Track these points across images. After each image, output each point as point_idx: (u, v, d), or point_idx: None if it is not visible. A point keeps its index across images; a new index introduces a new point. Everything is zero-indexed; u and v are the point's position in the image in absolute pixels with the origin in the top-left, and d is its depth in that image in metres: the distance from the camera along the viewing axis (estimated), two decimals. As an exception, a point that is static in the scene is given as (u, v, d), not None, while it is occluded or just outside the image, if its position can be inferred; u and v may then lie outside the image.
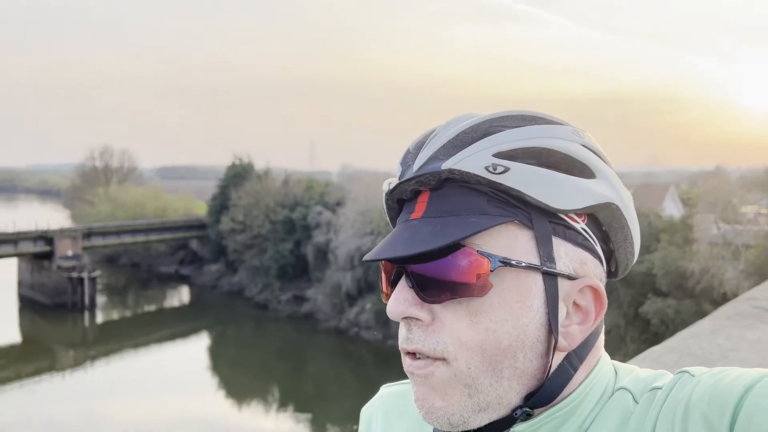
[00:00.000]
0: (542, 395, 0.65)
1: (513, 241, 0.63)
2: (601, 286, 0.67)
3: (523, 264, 0.63)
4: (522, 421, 0.65)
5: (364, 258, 0.66)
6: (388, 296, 0.69)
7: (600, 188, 0.66)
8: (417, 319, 0.65)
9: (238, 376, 26.85)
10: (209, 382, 26.21)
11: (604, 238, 0.69)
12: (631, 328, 23.46)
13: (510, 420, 0.66)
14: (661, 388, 0.64)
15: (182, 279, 43.46)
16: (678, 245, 23.85)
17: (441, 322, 0.64)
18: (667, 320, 22.21)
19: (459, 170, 0.63)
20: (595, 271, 0.68)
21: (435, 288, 0.63)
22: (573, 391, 0.66)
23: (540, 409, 0.66)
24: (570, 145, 0.65)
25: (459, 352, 0.63)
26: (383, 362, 27.25)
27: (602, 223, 0.68)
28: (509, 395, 0.64)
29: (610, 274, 0.72)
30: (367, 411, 0.89)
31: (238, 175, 41.48)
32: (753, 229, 25.19)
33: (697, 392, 0.60)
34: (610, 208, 0.67)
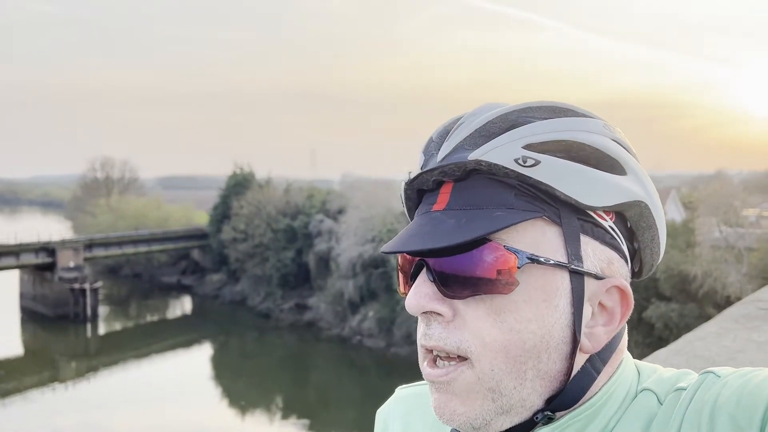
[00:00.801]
0: (564, 398, 0.63)
1: (540, 237, 0.61)
2: (628, 286, 0.65)
3: (552, 261, 0.61)
4: (543, 424, 0.64)
5: (382, 249, 0.64)
6: (405, 291, 0.67)
7: (630, 185, 0.64)
8: (437, 314, 0.62)
9: (240, 386, 26.77)
10: (212, 392, 26.14)
11: (630, 237, 0.67)
12: (635, 332, 23.39)
13: (531, 423, 0.63)
14: (685, 389, 0.62)
15: (184, 289, 43.43)
16: (680, 249, 23.80)
17: (462, 319, 0.61)
18: (671, 324, 22.14)
19: (487, 161, 0.61)
20: (621, 271, 0.66)
21: (458, 283, 0.61)
22: (595, 393, 0.64)
23: (561, 413, 0.64)
24: (601, 139, 0.63)
25: (482, 352, 0.60)
26: (386, 370, 27.16)
27: (629, 221, 0.66)
28: (532, 398, 0.62)
29: (634, 273, 0.70)
30: (383, 413, 0.86)
31: (239, 184, 41.53)
32: (755, 232, 25.15)
33: (724, 394, 0.57)
34: (639, 207, 0.65)
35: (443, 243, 0.59)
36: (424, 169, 0.65)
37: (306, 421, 23.24)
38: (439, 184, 0.65)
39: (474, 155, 0.61)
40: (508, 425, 0.63)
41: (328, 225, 34.15)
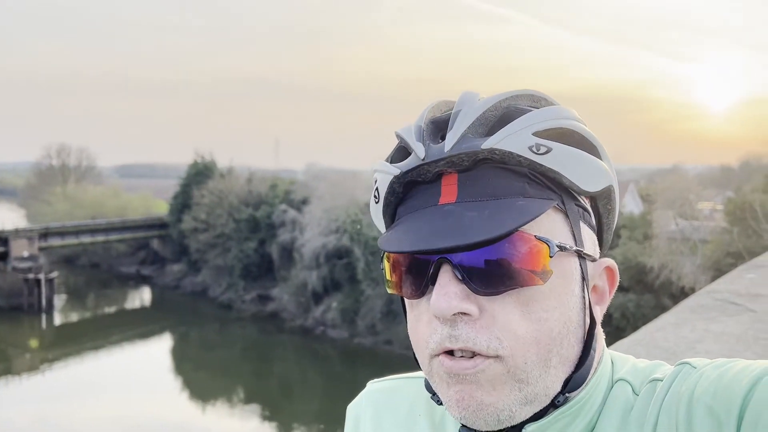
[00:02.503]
0: (577, 379, 0.63)
1: (553, 224, 0.61)
2: (616, 266, 0.68)
3: (573, 248, 0.61)
4: (554, 408, 0.63)
5: (388, 248, 0.60)
6: (417, 291, 0.62)
7: (608, 169, 0.66)
8: (465, 314, 0.59)
9: (202, 377, 26.47)
10: (172, 383, 25.78)
11: (597, 219, 0.69)
12: (593, 322, 23.90)
13: (547, 409, 0.63)
14: (661, 380, 0.63)
15: (143, 279, 42.67)
16: (638, 241, 24.38)
17: (491, 316, 0.59)
18: (628, 314, 22.66)
19: (500, 150, 0.59)
20: (598, 252, 0.68)
21: (489, 279, 0.58)
22: (586, 385, 0.65)
23: (571, 394, 0.64)
24: (582, 125, 0.65)
25: (516, 347, 0.59)
26: (350, 360, 27.19)
27: (598, 205, 0.68)
28: (554, 384, 0.62)
29: None
30: (354, 409, 0.85)
31: (201, 173, 40.87)
32: (709, 225, 25.91)
33: (701, 385, 0.57)
34: (609, 190, 0.67)
35: (475, 238, 0.56)
36: (428, 160, 0.61)
37: (268, 413, 23.13)
38: (438, 176, 0.63)
39: (488, 144, 0.59)
40: (529, 414, 0.62)
41: (292, 215, 33.90)
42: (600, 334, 0.68)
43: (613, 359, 0.69)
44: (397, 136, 0.67)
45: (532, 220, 0.57)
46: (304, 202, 34.00)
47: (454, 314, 0.59)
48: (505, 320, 0.59)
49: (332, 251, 30.37)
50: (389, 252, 0.60)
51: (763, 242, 21.22)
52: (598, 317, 0.66)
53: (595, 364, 0.66)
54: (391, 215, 0.68)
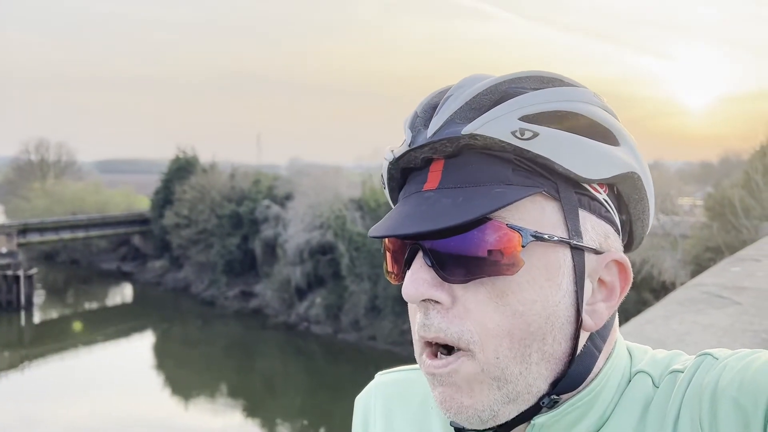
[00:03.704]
0: (569, 380, 0.61)
1: (540, 213, 0.58)
2: (627, 260, 0.63)
3: (555, 238, 0.58)
4: (548, 409, 0.61)
5: (371, 233, 0.59)
6: (398, 276, 0.63)
7: (624, 156, 0.62)
8: (436, 302, 0.58)
9: (184, 375, 26.30)
10: (155, 380, 25.58)
11: (621, 209, 0.65)
12: (575, 317, 24.11)
13: (535, 409, 0.61)
14: (681, 371, 0.61)
15: (125, 276, 42.26)
16: (619, 236, 24.64)
17: (463, 306, 0.58)
18: (610, 309, 22.91)
19: (482, 135, 0.57)
20: (616, 245, 0.64)
21: (458, 266, 0.57)
22: (596, 375, 0.63)
23: (566, 396, 0.62)
24: (593, 108, 0.61)
25: (486, 339, 0.57)
26: (334, 356, 27.17)
27: (622, 193, 0.64)
28: (538, 382, 0.59)
29: (624, 246, 0.68)
30: (362, 401, 0.81)
31: (183, 168, 40.55)
32: (689, 221, 26.26)
33: (725, 377, 0.56)
34: (633, 178, 0.63)
35: (442, 224, 0.55)
36: (413, 146, 0.60)
37: (251, 409, 23.05)
38: (428, 162, 0.61)
39: (468, 129, 0.57)
40: (515, 413, 0.60)
41: (275, 211, 33.76)
42: (615, 329, 0.66)
43: (630, 351, 0.67)
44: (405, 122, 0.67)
45: (502, 207, 0.55)
46: (288, 197, 33.88)
47: (424, 301, 0.58)
48: (477, 311, 0.57)
49: (316, 247, 30.29)
50: (370, 236, 0.60)
51: (742, 237, 21.55)
52: (600, 315, 0.62)
53: (601, 360, 0.63)
54: (395, 200, 0.68)
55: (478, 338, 0.57)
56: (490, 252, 0.56)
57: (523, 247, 0.56)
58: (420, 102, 0.65)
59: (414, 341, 0.62)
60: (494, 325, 0.57)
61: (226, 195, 36.89)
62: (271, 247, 33.23)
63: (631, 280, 0.64)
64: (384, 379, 0.81)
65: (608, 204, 0.63)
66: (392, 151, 0.64)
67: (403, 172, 0.64)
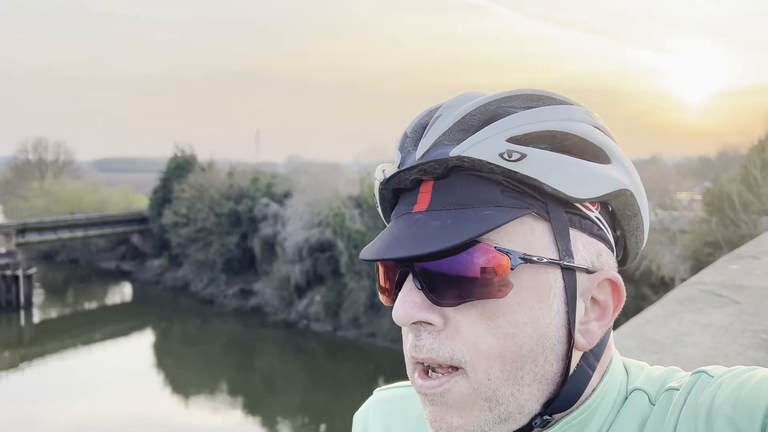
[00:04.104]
0: (562, 400, 0.61)
1: (530, 234, 0.58)
2: (620, 278, 0.63)
3: (545, 260, 0.58)
4: (540, 429, 0.61)
5: (362, 256, 0.59)
6: (391, 298, 0.63)
7: (616, 174, 0.62)
8: (427, 323, 0.58)
9: (184, 373, 26.30)
10: (155, 379, 25.59)
11: (614, 225, 0.65)
12: (574, 313, 24.11)
13: (528, 429, 0.61)
14: (677, 389, 0.61)
15: (124, 275, 42.24)
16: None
17: (454, 327, 0.58)
18: (609, 305, 22.93)
19: (469, 157, 0.57)
20: (609, 262, 0.64)
21: (448, 289, 0.57)
22: (590, 395, 0.63)
23: (559, 415, 0.61)
24: (584, 127, 0.61)
25: (477, 361, 0.57)
26: (333, 354, 27.19)
27: (615, 210, 0.64)
28: (530, 403, 0.59)
29: (618, 262, 0.68)
30: (361, 417, 0.81)
31: (181, 167, 40.51)
32: (688, 215, 26.28)
33: (720, 395, 0.56)
34: (625, 195, 0.63)
35: (430, 248, 0.55)
36: (402, 168, 0.61)
37: (251, 407, 23.06)
38: (418, 183, 0.61)
39: (456, 151, 0.57)
40: None
41: (274, 209, 33.73)
42: (610, 347, 0.66)
43: (627, 368, 0.67)
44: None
45: (491, 230, 0.55)
46: (286, 195, 33.85)
47: (415, 323, 0.58)
48: (468, 333, 0.57)
49: (315, 245, 30.28)
50: (361, 259, 0.60)
51: (741, 232, 21.57)
52: (593, 334, 0.61)
53: (595, 378, 0.63)
54: (388, 219, 0.68)
55: (469, 358, 0.57)
56: (479, 275, 0.56)
57: (512, 269, 0.56)
58: (410, 122, 0.65)
59: (406, 360, 0.62)
60: (486, 347, 0.57)
61: (224, 193, 36.86)
62: (270, 245, 33.22)
63: (624, 298, 0.64)
64: (382, 395, 0.81)
65: (601, 222, 0.63)
66: (383, 171, 0.64)
67: (395, 192, 0.65)
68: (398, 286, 0.60)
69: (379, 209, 0.68)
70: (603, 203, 0.63)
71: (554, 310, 0.59)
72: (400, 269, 0.60)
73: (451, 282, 0.57)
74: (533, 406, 0.59)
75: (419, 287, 0.58)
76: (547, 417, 0.60)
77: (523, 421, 0.60)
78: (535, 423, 0.60)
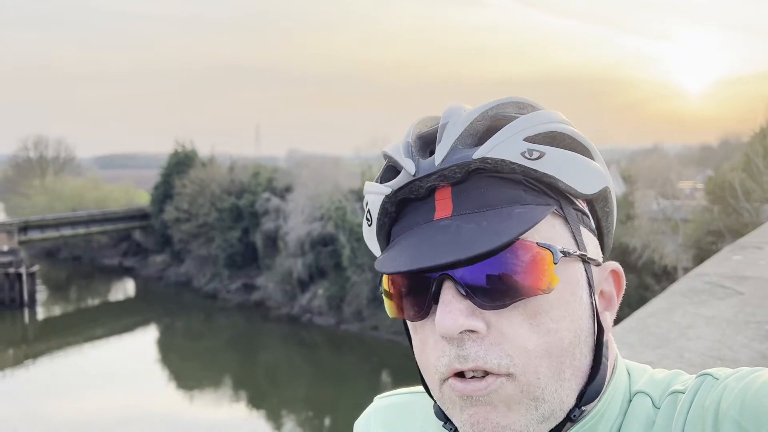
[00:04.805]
0: (591, 391, 0.61)
1: (552, 230, 0.59)
2: (621, 269, 0.66)
3: (577, 253, 0.59)
4: (572, 423, 0.61)
5: (385, 269, 0.57)
6: (421, 311, 0.59)
7: (603, 171, 0.65)
8: (472, 331, 0.56)
9: (188, 368, 26.37)
10: (159, 374, 25.67)
11: (595, 223, 0.68)
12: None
13: (562, 425, 0.60)
14: (681, 392, 0.61)
15: (126, 271, 42.30)
16: (620, 221, 24.61)
17: (499, 332, 0.56)
18: (612, 295, 22.93)
19: (493, 158, 0.58)
20: (600, 255, 0.67)
21: (495, 292, 0.56)
22: (603, 392, 0.63)
23: (587, 407, 0.62)
24: (571, 128, 0.63)
25: (527, 362, 0.56)
26: (337, 347, 27.25)
27: (596, 207, 0.66)
28: (569, 398, 0.60)
29: None
30: (362, 425, 0.80)
31: (181, 162, 40.47)
32: (690, 204, 26.22)
33: (726, 398, 0.55)
34: (606, 192, 0.65)
35: (476, 250, 0.53)
36: (418, 175, 0.60)
37: (256, 401, 23.13)
38: (431, 191, 0.61)
39: (479, 153, 0.58)
40: (546, 431, 0.60)
41: (275, 203, 33.72)
42: (612, 342, 0.66)
43: (629, 370, 0.67)
44: (385, 155, 0.65)
45: (532, 227, 0.55)
46: (287, 189, 33.83)
47: (461, 332, 0.56)
48: (514, 335, 0.56)
49: (317, 238, 30.29)
50: (388, 273, 0.57)
51: (743, 220, 21.52)
52: (608, 324, 0.63)
53: (608, 375, 0.64)
54: (385, 237, 0.66)
55: (519, 361, 0.56)
56: (525, 273, 0.56)
57: (555, 264, 0.57)
58: (406, 133, 0.64)
59: (428, 375, 0.60)
60: (534, 346, 0.57)
61: (225, 188, 36.84)
62: (272, 240, 33.23)
63: (624, 287, 0.66)
64: (382, 403, 0.80)
65: (589, 217, 0.66)
66: (386, 184, 0.62)
67: (399, 204, 0.63)
68: (434, 296, 0.58)
69: (373, 226, 0.65)
70: (589, 201, 0.65)
71: (584, 302, 0.60)
72: (435, 279, 0.57)
73: (497, 284, 0.56)
74: (571, 400, 0.60)
75: (463, 294, 0.56)
76: (583, 408, 0.61)
77: (561, 417, 0.60)
78: (574, 416, 0.60)
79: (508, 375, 0.56)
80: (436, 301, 0.57)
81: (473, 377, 0.57)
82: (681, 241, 24.19)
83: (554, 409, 0.58)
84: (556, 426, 0.60)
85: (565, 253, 0.58)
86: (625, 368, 0.67)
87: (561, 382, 0.58)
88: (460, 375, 0.57)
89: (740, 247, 4.64)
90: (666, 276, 22.44)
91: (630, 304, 3.23)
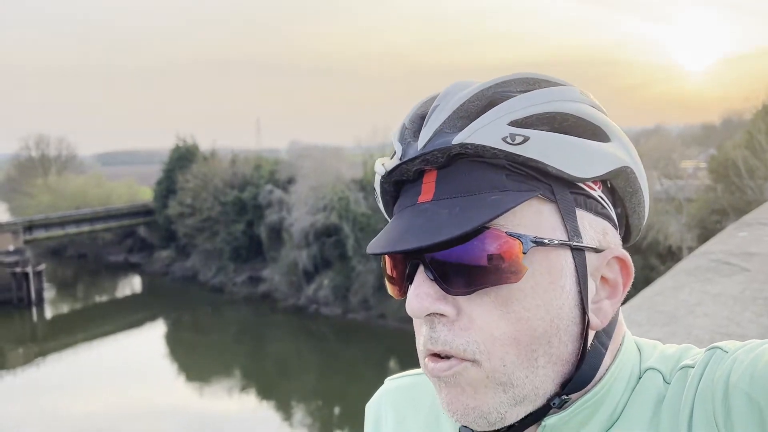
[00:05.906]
0: (578, 380, 0.61)
1: (538, 217, 0.58)
2: (628, 255, 0.64)
3: (555, 242, 0.58)
4: (557, 409, 0.61)
5: (369, 251, 0.59)
6: (401, 291, 0.62)
7: (616, 151, 0.62)
8: (441, 314, 0.58)
9: (197, 362, 26.54)
10: (168, 369, 25.84)
11: (616, 203, 0.65)
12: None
13: (546, 409, 0.61)
14: (692, 366, 0.61)
15: (132, 267, 42.46)
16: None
17: (468, 317, 0.58)
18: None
19: (472, 144, 0.57)
20: (615, 240, 0.64)
21: (461, 278, 0.57)
22: (604, 375, 0.63)
23: (576, 395, 0.62)
24: (582, 107, 0.61)
25: (492, 349, 0.57)
26: (344, 336, 27.36)
27: (616, 188, 0.64)
28: (545, 384, 0.60)
29: (621, 239, 0.68)
30: (373, 407, 0.82)
31: (183, 157, 40.50)
32: (693, 184, 26.16)
33: (736, 371, 0.55)
34: (626, 173, 0.63)
35: (441, 237, 0.55)
36: (404, 159, 0.60)
37: (265, 392, 23.28)
38: (420, 174, 0.61)
39: (458, 138, 0.57)
40: (522, 414, 0.60)
41: (278, 195, 33.75)
42: (621, 324, 0.66)
43: (639, 347, 0.67)
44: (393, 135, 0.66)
45: (500, 215, 0.55)
46: (290, 181, 33.85)
47: (430, 315, 0.58)
48: (483, 321, 0.57)
49: (321, 229, 30.33)
50: (368, 253, 0.59)
51: (747, 198, 21.48)
52: (605, 312, 0.62)
53: (608, 358, 0.63)
54: (390, 214, 0.68)
55: (484, 348, 0.57)
56: (491, 261, 0.56)
57: (524, 253, 0.56)
58: (407, 113, 0.64)
59: (418, 351, 0.62)
60: (500, 333, 0.57)
61: (228, 182, 36.88)
62: (277, 232, 33.30)
63: (633, 274, 0.64)
64: (393, 384, 0.81)
65: (603, 200, 0.63)
66: (383, 164, 0.64)
67: (396, 185, 0.64)
68: (409, 278, 0.59)
69: (381, 204, 0.67)
70: (604, 181, 0.63)
71: (567, 291, 0.59)
72: (410, 261, 0.59)
73: (463, 270, 0.57)
74: (549, 387, 0.60)
75: (431, 278, 0.58)
76: (565, 397, 0.60)
77: (539, 402, 0.60)
78: (553, 404, 0.60)
79: (474, 361, 0.57)
80: (411, 282, 0.59)
81: (443, 358, 0.59)
82: (685, 221, 24.16)
83: (526, 394, 0.59)
84: (538, 410, 0.60)
85: (538, 242, 0.57)
86: (634, 345, 0.67)
87: (533, 369, 0.58)
88: (437, 355, 0.59)
89: (745, 224, 4.64)
90: (671, 256, 22.42)
91: (635, 285, 3.22)
